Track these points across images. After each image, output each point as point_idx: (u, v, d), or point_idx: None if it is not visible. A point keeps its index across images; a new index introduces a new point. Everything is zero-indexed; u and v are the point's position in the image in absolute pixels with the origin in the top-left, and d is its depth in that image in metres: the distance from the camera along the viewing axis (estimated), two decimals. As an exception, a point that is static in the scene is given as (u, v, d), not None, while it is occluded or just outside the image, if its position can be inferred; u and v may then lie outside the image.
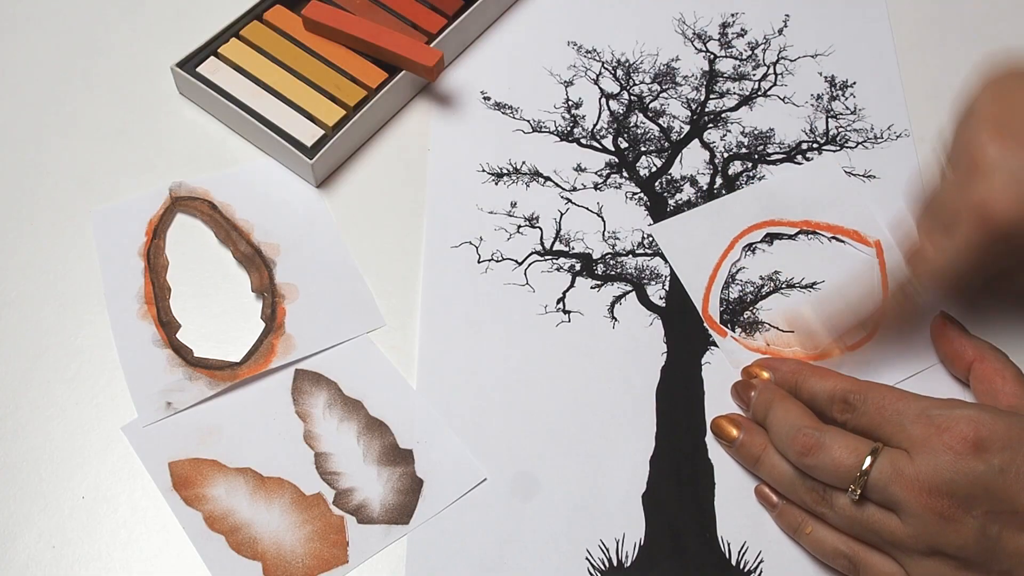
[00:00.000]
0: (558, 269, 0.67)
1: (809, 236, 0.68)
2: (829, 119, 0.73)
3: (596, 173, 0.71)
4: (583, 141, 0.72)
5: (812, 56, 0.76)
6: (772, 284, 0.66)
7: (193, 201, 0.69)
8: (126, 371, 0.63)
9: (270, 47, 0.73)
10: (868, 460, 0.53)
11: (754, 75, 0.75)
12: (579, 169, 0.71)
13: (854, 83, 0.74)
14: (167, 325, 0.64)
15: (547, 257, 0.67)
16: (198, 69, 0.72)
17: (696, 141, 0.72)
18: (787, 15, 0.78)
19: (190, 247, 0.68)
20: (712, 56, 0.76)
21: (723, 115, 0.73)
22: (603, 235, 0.68)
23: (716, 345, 0.64)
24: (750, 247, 0.67)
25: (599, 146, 0.72)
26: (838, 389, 0.57)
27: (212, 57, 0.72)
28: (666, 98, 0.74)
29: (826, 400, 0.57)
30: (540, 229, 0.68)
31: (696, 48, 0.76)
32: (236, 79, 0.71)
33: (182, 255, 0.67)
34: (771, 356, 0.63)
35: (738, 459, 0.60)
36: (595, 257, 0.67)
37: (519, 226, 0.69)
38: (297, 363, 0.63)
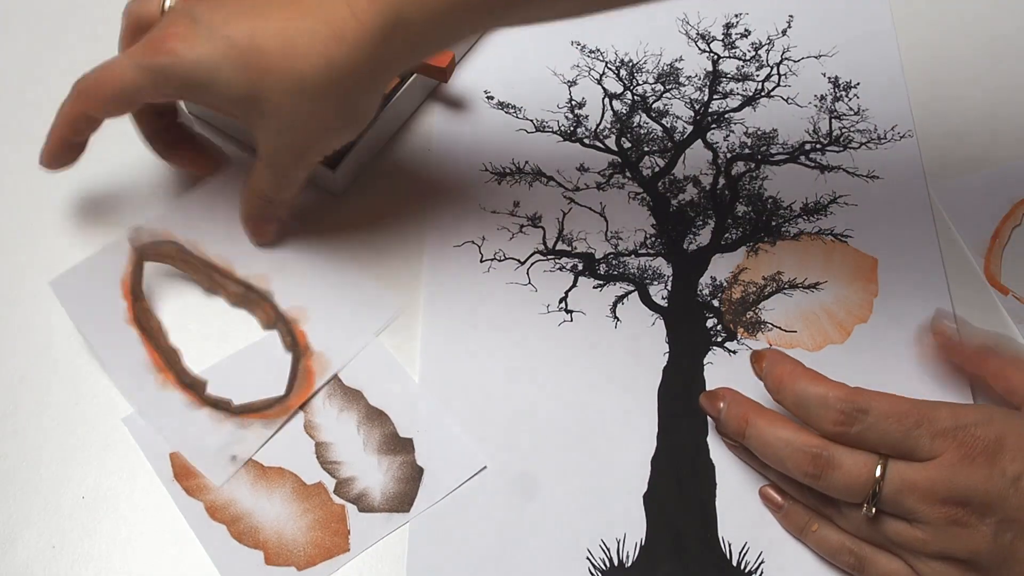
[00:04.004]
0: (560, 269, 0.67)
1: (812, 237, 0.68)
2: (832, 120, 0.73)
3: (599, 173, 0.71)
4: (586, 141, 0.72)
5: (816, 57, 0.76)
6: (775, 284, 0.66)
7: (160, 247, 0.64)
8: (178, 446, 0.60)
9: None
10: (878, 473, 0.52)
11: (757, 76, 0.75)
12: (582, 169, 0.71)
13: (858, 84, 0.74)
14: (193, 386, 0.61)
15: (549, 257, 0.67)
16: None
17: (699, 141, 0.72)
18: (791, 16, 0.77)
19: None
20: (716, 57, 0.76)
21: (726, 115, 0.73)
22: (606, 235, 0.68)
23: (718, 345, 0.64)
24: None
25: (602, 146, 0.72)
26: (831, 398, 0.54)
27: None
28: (669, 98, 0.74)
29: (817, 405, 0.54)
30: (543, 229, 0.68)
31: (699, 48, 0.76)
32: None
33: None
34: (777, 350, 0.61)
35: (724, 431, 0.59)
36: (597, 257, 0.67)
37: (522, 226, 0.68)
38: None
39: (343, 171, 0.68)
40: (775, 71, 0.75)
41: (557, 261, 0.67)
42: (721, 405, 0.59)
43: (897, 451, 0.53)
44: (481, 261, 0.67)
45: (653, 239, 0.68)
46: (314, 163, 0.62)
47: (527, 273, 0.67)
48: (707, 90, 0.74)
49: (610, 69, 0.75)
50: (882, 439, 0.53)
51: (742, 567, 0.57)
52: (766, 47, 0.76)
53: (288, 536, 0.58)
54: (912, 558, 0.53)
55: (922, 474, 0.51)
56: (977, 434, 0.51)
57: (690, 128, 0.72)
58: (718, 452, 0.60)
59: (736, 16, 0.78)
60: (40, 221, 0.68)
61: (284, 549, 0.58)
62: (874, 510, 0.53)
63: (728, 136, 0.72)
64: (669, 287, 0.66)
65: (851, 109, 0.73)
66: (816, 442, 0.54)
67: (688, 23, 0.77)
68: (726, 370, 0.63)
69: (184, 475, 0.59)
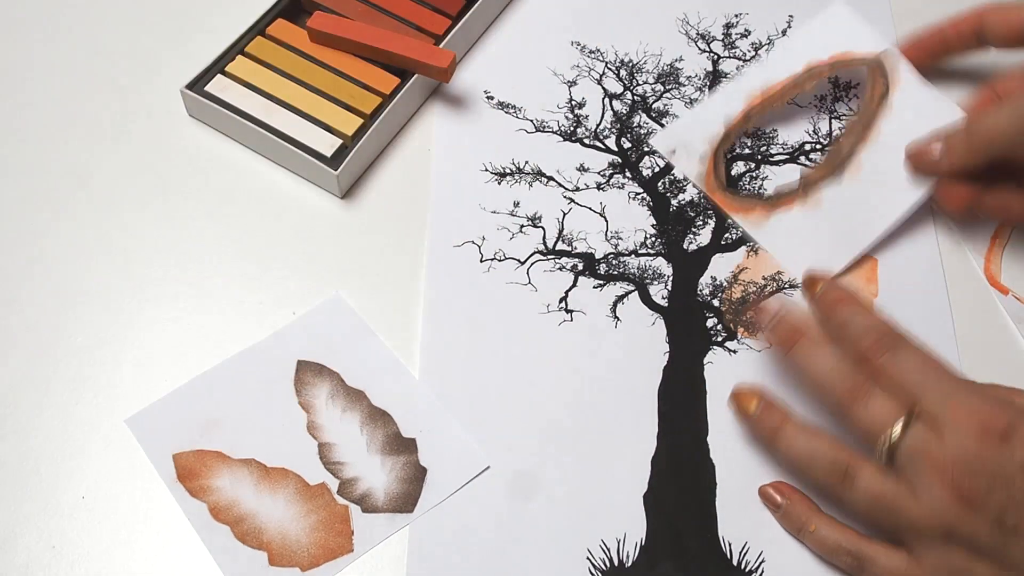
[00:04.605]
0: (560, 268, 0.67)
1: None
2: (832, 120, 0.73)
3: (599, 173, 0.71)
4: (586, 141, 0.72)
5: (816, 57, 0.76)
6: (775, 284, 0.66)
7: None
8: None
9: (278, 62, 0.72)
10: (900, 426, 0.53)
11: (758, 76, 0.75)
12: (582, 169, 0.71)
13: (857, 84, 0.74)
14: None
15: (549, 257, 0.67)
16: (207, 88, 0.70)
17: (699, 141, 0.72)
18: (791, 16, 0.77)
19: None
20: (716, 57, 0.76)
21: (726, 115, 0.73)
22: (606, 235, 0.68)
23: (718, 345, 0.64)
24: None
25: (602, 146, 0.72)
26: (872, 325, 0.57)
27: (220, 75, 0.71)
28: (669, 98, 0.74)
29: (861, 333, 0.57)
30: (543, 229, 0.68)
31: (700, 48, 0.76)
32: (248, 96, 0.70)
33: None
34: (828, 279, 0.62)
35: (753, 434, 0.60)
36: (598, 257, 0.67)
37: (522, 226, 0.68)
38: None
39: (345, 172, 0.68)
40: (775, 71, 0.75)
41: (557, 261, 0.67)
42: (753, 407, 0.59)
43: (919, 401, 0.54)
44: (481, 261, 0.67)
45: (653, 239, 0.68)
46: None
47: (527, 273, 0.67)
48: (707, 90, 0.74)
49: (610, 69, 0.75)
50: (901, 385, 0.55)
51: (742, 567, 0.57)
52: (766, 47, 0.76)
53: (292, 537, 0.58)
54: (915, 542, 0.54)
55: (939, 444, 0.52)
56: (997, 416, 0.52)
57: (690, 128, 0.72)
58: (718, 452, 0.60)
59: (736, 16, 0.78)
60: (28, 215, 0.68)
61: (288, 550, 0.58)
62: (886, 457, 0.54)
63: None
64: (669, 287, 0.66)
65: (851, 110, 0.73)
66: (860, 370, 0.56)
67: (688, 23, 0.77)
68: (726, 370, 0.63)
69: (188, 476, 0.60)
